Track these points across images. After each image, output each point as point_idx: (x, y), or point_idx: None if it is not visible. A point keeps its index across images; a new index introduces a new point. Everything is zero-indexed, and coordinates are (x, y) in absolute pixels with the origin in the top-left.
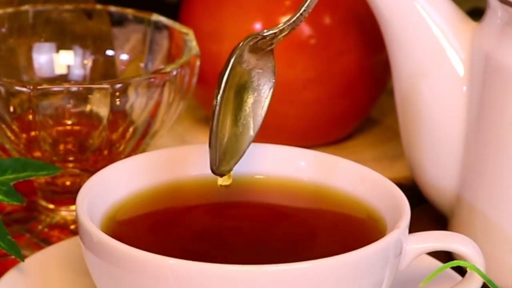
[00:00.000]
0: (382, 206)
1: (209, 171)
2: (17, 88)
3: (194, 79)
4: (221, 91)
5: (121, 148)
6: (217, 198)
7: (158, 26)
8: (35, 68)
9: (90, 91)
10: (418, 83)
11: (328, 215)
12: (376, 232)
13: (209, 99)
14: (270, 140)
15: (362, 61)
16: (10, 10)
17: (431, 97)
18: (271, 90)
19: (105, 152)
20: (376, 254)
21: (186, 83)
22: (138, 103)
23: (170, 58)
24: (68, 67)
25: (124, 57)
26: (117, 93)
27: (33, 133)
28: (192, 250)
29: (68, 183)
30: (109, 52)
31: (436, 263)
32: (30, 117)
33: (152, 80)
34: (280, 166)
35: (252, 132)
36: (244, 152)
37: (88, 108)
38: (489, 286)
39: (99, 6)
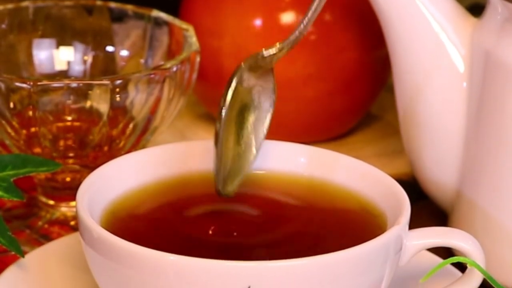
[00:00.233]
0: (382, 202)
1: (210, 167)
2: (17, 84)
3: (194, 75)
4: (223, 113)
5: (121, 144)
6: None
7: (158, 22)
8: (35, 64)
9: (90, 87)
10: (418, 79)
11: (328, 211)
12: (376, 228)
13: (209, 95)
14: (271, 136)
15: (362, 57)
16: (10, 6)
17: (431, 93)
18: (272, 107)
19: (105, 148)
20: (376, 250)
21: (186, 79)
22: (138, 99)
23: (170, 54)
24: (68, 63)
25: (124, 53)
26: (117, 89)
27: (33, 129)
28: (192, 246)
29: (68, 179)
30: (109, 48)
31: (436, 259)
32: (30, 113)
33: (152, 76)
34: (280, 162)
35: (254, 150)
36: (247, 170)
37: (88, 104)
38: (489, 282)
39: (99, 2)
